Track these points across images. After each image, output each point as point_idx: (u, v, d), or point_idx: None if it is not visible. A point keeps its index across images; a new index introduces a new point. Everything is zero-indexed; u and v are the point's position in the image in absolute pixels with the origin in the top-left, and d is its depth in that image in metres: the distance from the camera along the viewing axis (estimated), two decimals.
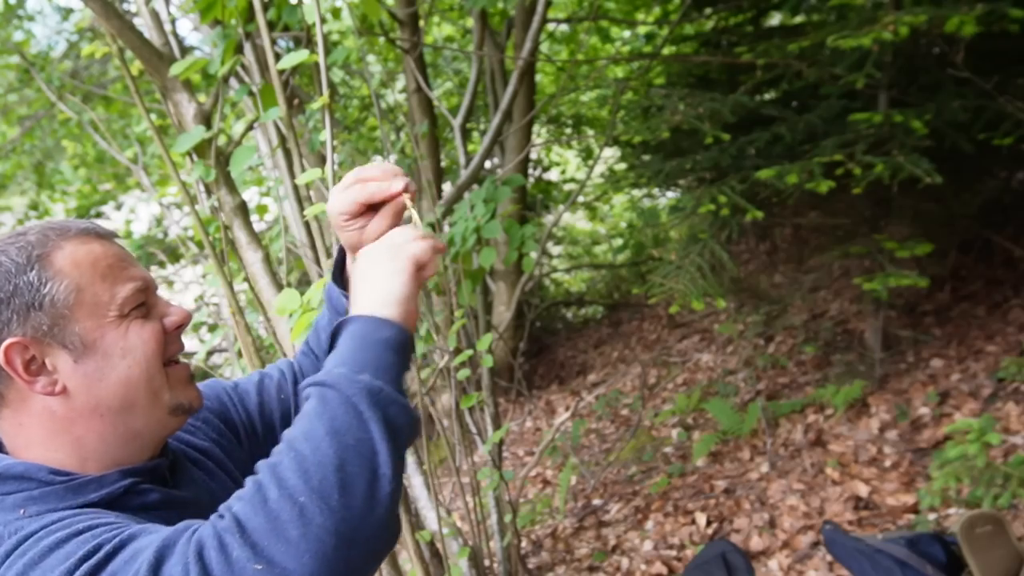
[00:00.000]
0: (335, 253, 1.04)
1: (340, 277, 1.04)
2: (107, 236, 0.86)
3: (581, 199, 7.97)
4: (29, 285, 0.78)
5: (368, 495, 0.65)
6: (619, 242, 8.57)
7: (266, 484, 0.65)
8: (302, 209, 2.18)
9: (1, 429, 0.83)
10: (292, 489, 0.63)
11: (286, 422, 1.06)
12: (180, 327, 0.87)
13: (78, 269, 0.80)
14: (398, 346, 0.77)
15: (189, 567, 0.61)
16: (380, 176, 0.90)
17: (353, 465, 0.65)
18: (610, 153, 6.89)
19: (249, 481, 0.67)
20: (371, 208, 0.91)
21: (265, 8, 1.75)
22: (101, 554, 0.65)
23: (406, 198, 0.90)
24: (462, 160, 3.51)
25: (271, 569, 0.60)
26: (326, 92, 1.57)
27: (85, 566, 0.64)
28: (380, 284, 0.81)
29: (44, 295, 0.78)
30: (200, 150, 2.12)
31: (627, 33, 7.06)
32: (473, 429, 3.14)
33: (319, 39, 1.54)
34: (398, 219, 0.91)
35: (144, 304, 0.84)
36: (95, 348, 0.80)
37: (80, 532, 0.69)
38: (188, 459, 0.94)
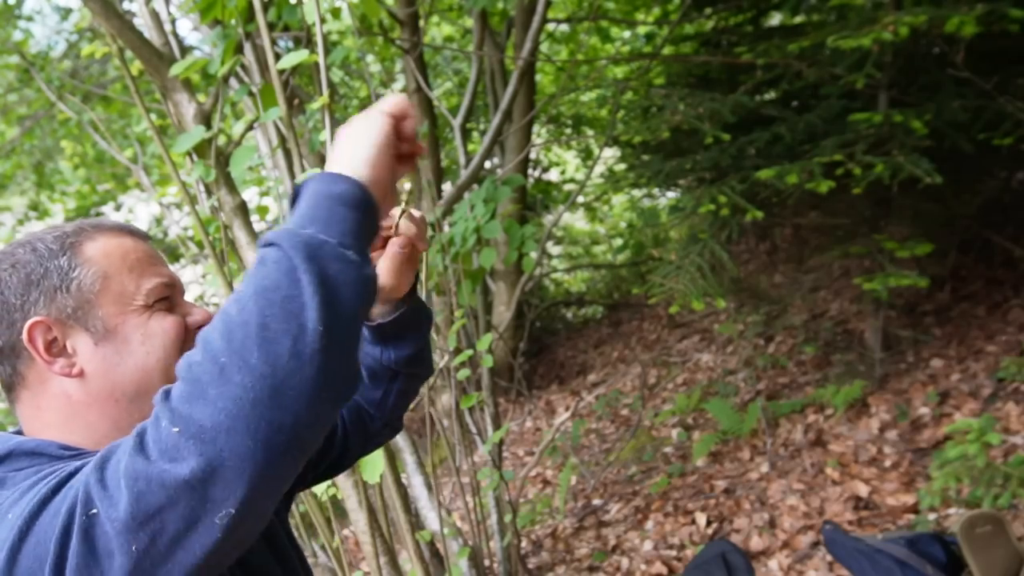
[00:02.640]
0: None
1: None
2: (141, 235, 0.89)
3: (581, 199, 7.97)
4: (59, 269, 0.81)
5: (292, 352, 0.62)
6: (619, 242, 8.57)
7: (194, 351, 0.65)
8: None
9: (20, 413, 0.84)
10: (215, 351, 0.62)
11: None
12: (201, 327, 0.87)
13: (107, 259, 0.83)
14: (353, 200, 0.72)
15: (128, 446, 0.62)
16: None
17: (277, 321, 0.62)
18: (610, 153, 6.89)
19: (185, 354, 0.67)
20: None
21: (265, 8, 1.75)
22: (62, 475, 0.67)
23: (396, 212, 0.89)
24: (462, 160, 3.51)
25: (187, 427, 0.60)
26: (326, 92, 1.57)
27: (49, 486, 0.66)
28: (346, 146, 0.78)
29: (72, 279, 0.81)
30: (200, 150, 2.12)
31: (627, 33, 7.06)
32: (473, 429, 3.14)
33: (319, 39, 1.54)
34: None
35: (169, 299, 0.86)
36: (116, 333, 0.82)
37: (55, 469, 0.70)
38: None
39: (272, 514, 0.69)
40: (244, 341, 0.62)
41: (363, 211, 0.73)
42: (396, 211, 0.92)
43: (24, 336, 0.79)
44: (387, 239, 0.93)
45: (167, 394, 0.63)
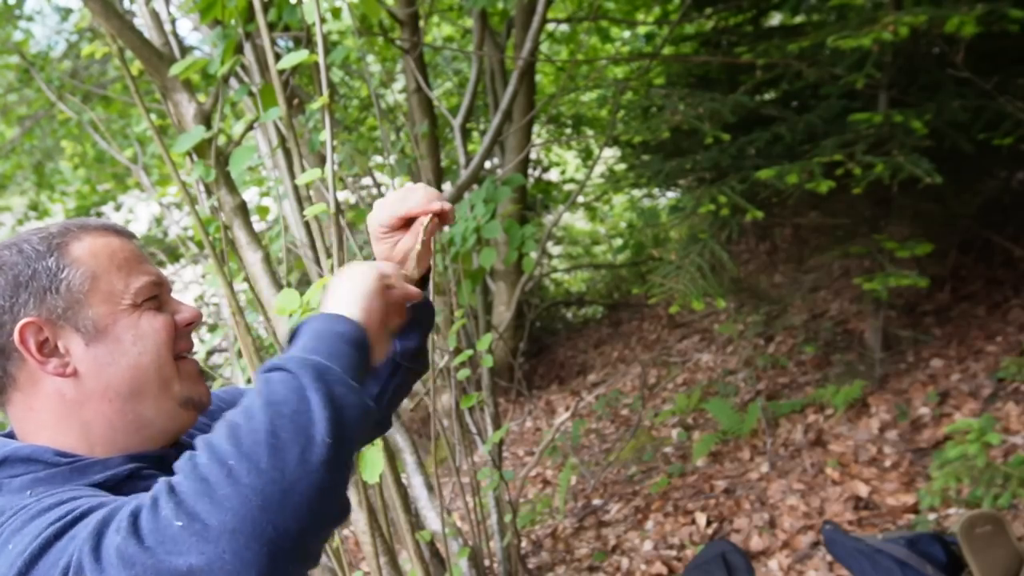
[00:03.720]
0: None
1: None
2: (127, 234, 0.90)
3: (581, 199, 7.96)
4: (47, 270, 0.81)
5: (301, 460, 0.63)
6: (619, 242, 8.57)
7: (199, 452, 0.65)
8: (302, 209, 2.18)
9: (11, 415, 0.84)
10: (222, 454, 0.63)
11: None
12: (191, 324, 0.90)
13: (95, 259, 0.83)
14: (354, 341, 0.77)
15: (122, 527, 0.62)
16: (423, 196, 0.95)
17: (286, 432, 0.64)
18: (610, 153, 6.89)
19: (186, 453, 0.67)
20: (407, 224, 0.97)
21: (265, 8, 1.75)
22: (69, 518, 0.66)
23: (426, 220, 0.95)
24: (462, 160, 3.50)
25: (192, 524, 0.60)
26: (326, 92, 1.57)
27: (52, 528, 0.66)
28: (343, 290, 0.84)
29: (61, 280, 0.81)
30: (200, 150, 2.12)
31: (627, 33, 7.06)
32: (473, 429, 3.14)
33: (319, 39, 1.54)
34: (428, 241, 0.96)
35: (157, 298, 0.87)
36: (107, 333, 0.82)
37: (63, 502, 0.70)
38: None
39: None
40: (253, 447, 0.63)
41: (361, 350, 0.78)
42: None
43: (15, 337, 0.79)
44: (411, 220, 0.96)
45: (171, 486, 0.63)
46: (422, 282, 1.04)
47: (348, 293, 0.83)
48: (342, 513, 0.69)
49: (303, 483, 0.63)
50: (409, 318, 1.01)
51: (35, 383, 0.81)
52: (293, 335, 0.79)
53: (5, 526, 0.70)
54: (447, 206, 0.95)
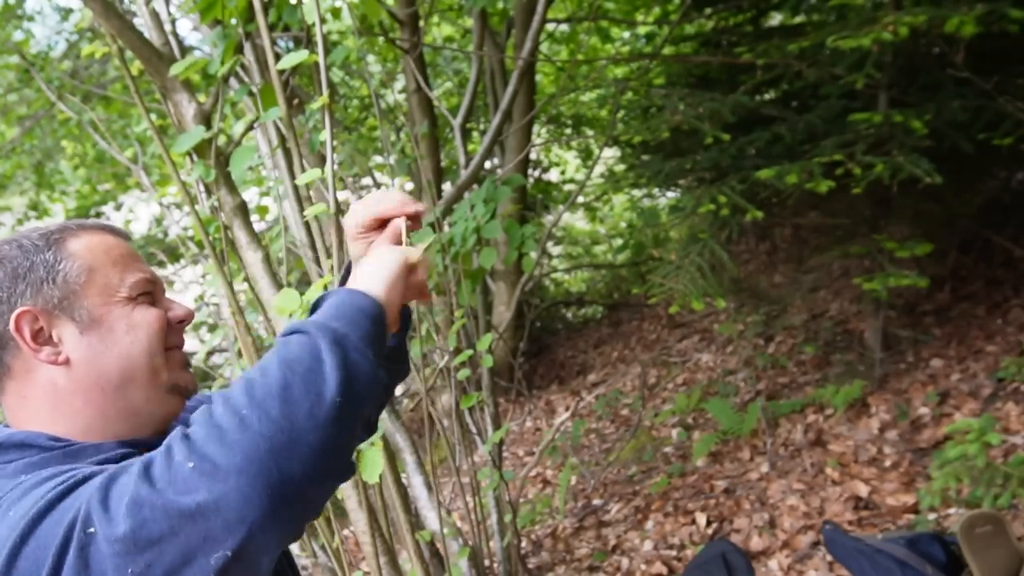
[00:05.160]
0: (344, 265, 1.11)
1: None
2: (123, 235, 0.93)
3: (581, 199, 7.97)
4: (45, 263, 0.84)
5: (310, 414, 0.66)
6: (619, 242, 8.57)
7: (215, 403, 0.68)
8: (302, 209, 2.18)
9: (5, 404, 0.85)
10: (236, 404, 0.66)
11: None
12: (183, 321, 0.92)
13: (92, 253, 0.86)
14: (373, 316, 0.80)
15: (134, 476, 0.64)
16: (398, 199, 0.99)
17: (298, 388, 0.67)
18: (610, 153, 6.89)
19: (203, 406, 0.70)
20: (382, 225, 1.00)
21: (265, 8, 1.75)
22: (71, 482, 0.68)
23: (403, 222, 0.99)
24: (462, 160, 3.51)
25: (202, 464, 0.63)
26: (326, 92, 1.57)
27: (55, 491, 0.67)
28: (368, 271, 0.87)
29: (58, 271, 0.84)
30: (200, 150, 2.12)
31: (627, 33, 7.06)
32: (473, 429, 3.14)
33: (319, 39, 1.54)
34: (398, 240, 1.00)
35: (151, 294, 0.89)
36: (101, 322, 0.84)
37: (63, 472, 0.72)
38: None
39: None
40: (266, 398, 0.66)
41: (378, 326, 0.81)
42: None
43: (11, 326, 0.81)
44: (385, 222, 1.00)
45: (186, 434, 0.66)
46: None
47: (374, 273, 0.87)
48: (346, 472, 0.71)
49: (310, 435, 0.65)
50: None
51: (29, 372, 0.83)
52: (315, 306, 0.82)
53: (4, 499, 0.71)
54: (421, 208, 0.99)
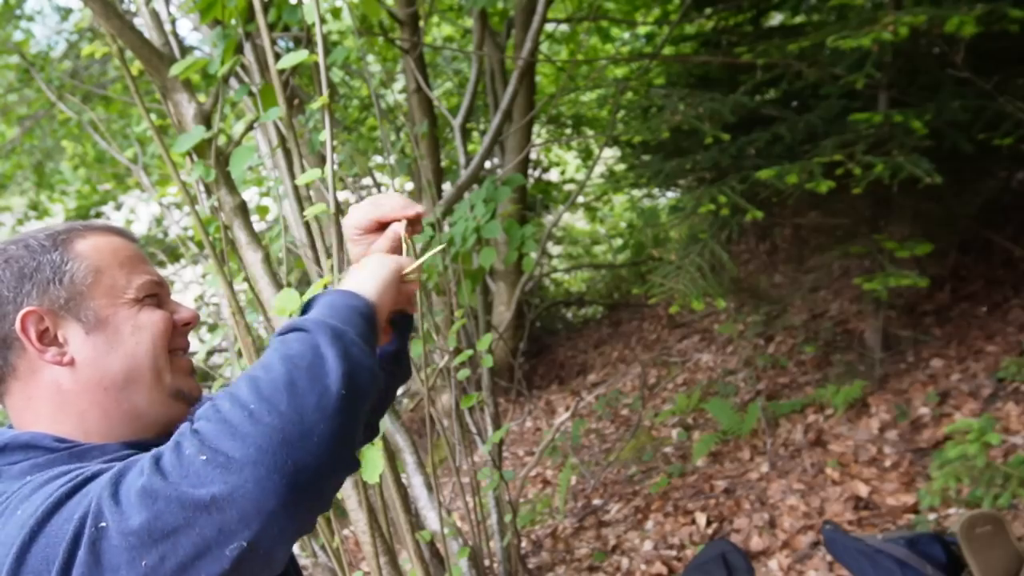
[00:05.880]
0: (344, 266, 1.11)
1: None
2: (130, 237, 0.93)
3: (581, 199, 7.97)
4: (52, 263, 0.84)
5: (318, 406, 0.67)
6: (619, 242, 8.57)
7: (220, 400, 0.68)
8: (302, 209, 2.18)
9: (9, 405, 0.85)
10: (243, 400, 0.67)
11: None
12: (188, 324, 0.92)
13: (99, 254, 0.86)
14: (366, 315, 0.81)
15: (144, 469, 0.64)
16: (398, 202, 1.00)
17: (304, 381, 0.68)
18: (610, 153, 6.89)
19: (206, 402, 0.71)
20: (382, 227, 1.00)
21: (265, 8, 1.75)
22: (80, 479, 0.68)
23: (402, 227, 0.99)
24: (462, 160, 3.51)
25: (216, 457, 0.63)
26: (326, 92, 1.57)
27: (64, 489, 0.67)
28: (360, 275, 0.89)
29: (65, 272, 0.84)
30: (200, 150, 2.12)
31: (627, 33, 7.06)
32: (473, 429, 3.14)
33: (319, 39, 1.54)
34: (398, 243, 1.00)
35: (157, 297, 0.89)
36: (107, 323, 0.84)
37: (71, 470, 0.72)
38: None
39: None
40: (273, 393, 0.67)
41: (371, 325, 0.82)
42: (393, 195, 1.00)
43: (17, 326, 0.81)
44: (386, 224, 1.00)
45: (194, 429, 0.66)
46: None
47: (366, 278, 0.88)
48: (354, 463, 0.73)
49: (321, 426, 0.66)
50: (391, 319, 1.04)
51: (34, 372, 0.83)
52: (306, 307, 0.83)
53: (12, 498, 0.71)
54: (420, 211, 0.99)
